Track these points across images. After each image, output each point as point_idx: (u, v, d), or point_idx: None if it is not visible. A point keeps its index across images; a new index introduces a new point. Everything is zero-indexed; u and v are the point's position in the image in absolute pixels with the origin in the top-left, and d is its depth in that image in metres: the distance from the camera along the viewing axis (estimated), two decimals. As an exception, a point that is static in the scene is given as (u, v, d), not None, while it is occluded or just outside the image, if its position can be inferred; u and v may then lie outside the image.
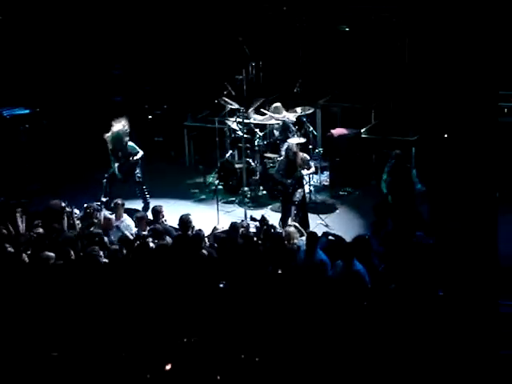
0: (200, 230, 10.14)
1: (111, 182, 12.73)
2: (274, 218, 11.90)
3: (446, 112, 10.30)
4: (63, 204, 10.63)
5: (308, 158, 12.00)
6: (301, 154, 11.89)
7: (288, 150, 11.78)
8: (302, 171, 11.77)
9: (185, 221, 10.22)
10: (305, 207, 11.85)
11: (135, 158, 12.59)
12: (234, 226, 10.10)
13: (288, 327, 7.76)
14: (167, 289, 8.38)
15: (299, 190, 11.68)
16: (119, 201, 11.30)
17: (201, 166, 14.32)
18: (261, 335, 7.68)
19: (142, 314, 7.97)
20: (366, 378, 7.40)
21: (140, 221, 10.77)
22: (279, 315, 7.91)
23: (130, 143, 12.65)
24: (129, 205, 12.10)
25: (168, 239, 9.94)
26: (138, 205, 12.60)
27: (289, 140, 13.07)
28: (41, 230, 9.91)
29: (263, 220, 10.41)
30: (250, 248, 9.29)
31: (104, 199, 12.30)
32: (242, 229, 10.20)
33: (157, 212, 10.85)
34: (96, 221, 10.85)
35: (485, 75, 8.85)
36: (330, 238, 9.68)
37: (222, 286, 8.45)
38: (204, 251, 9.28)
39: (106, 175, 12.72)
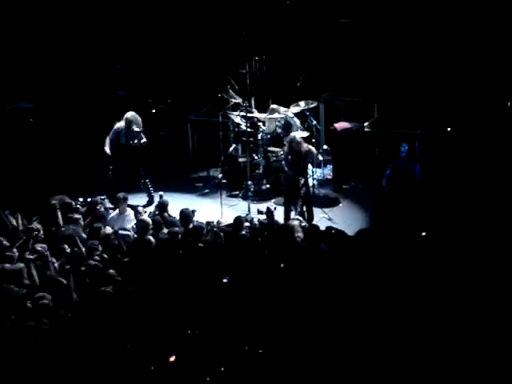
0: (201, 223, 10.18)
1: (116, 175, 12.77)
2: (277, 210, 11.95)
3: (450, 105, 10.32)
4: (54, 201, 10.61)
5: (314, 151, 11.97)
6: (305, 145, 11.86)
7: (291, 141, 11.77)
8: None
9: (186, 214, 10.27)
10: (310, 200, 11.86)
11: (139, 141, 12.61)
12: (238, 220, 10.12)
13: (292, 319, 7.80)
14: (171, 281, 8.42)
15: (302, 182, 11.69)
16: (122, 195, 11.34)
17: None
18: (264, 327, 7.71)
19: (145, 307, 8.00)
20: (368, 370, 7.45)
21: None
22: (283, 307, 7.95)
23: (138, 129, 12.70)
24: (133, 199, 12.17)
25: (165, 231, 9.98)
26: (142, 199, 12.65)
27: (291, 134, 13.14)
28: (36, 226, 9.94)
29: (269, 212, 10.44)
30: (257, 241, 9.32)
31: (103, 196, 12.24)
32: (247, 223, 10.23)
33: (162, 205, 10.89)
34: (99, 214, 10.89)
35: (491, 69, 8.87)
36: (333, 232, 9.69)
37: (225, 280, 8.47)
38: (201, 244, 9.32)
39: (110, 167, 12.75)
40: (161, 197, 11.50)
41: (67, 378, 7.19)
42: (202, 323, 7.74)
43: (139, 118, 12.67)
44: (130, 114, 12.58)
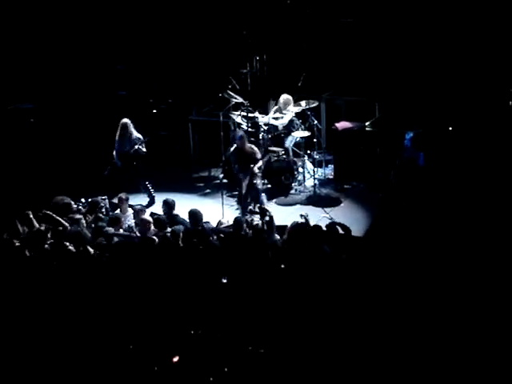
0: (207, 222, 10.17)
1: (114, 175, 12.74)
2: (278, 210, 11.97)
3: (451, 104, 10.27)
4: (66, 200, 10.62)
5: (255, 150, 11.99)
6: (248, 145, 11.98)
7: (237, 138, 11.94)
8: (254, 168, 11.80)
9: (195, 214, 10.25)
10: (257, 197, 11.95)
11: (137, 148, 12.60)
12: (238, 220, 10.10)
13: (294, 319, 7.80)
14: (174, 281, 8.41)
15: (259, 175, 11.91)
16: (123, 195, 11.32)
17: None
18: (267, 327, 7.71)
19: (149, 307, 8.00)
20: (370, 371, 7.45)
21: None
22: (285, 308, 7.95)
23: (138, 135, 12.69)
24: (134, 199, 12.16)
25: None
26: (143, 199, 12.64)
27: (293, 133, 13.17)
28: (43, 226, 9.96)
29: (263, 211, 10.44)
30: (259, 241, 9.30)
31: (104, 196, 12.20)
32: (246, 224, 10.16)
33: (168, 204, 10.85)
34: (101, 215, 10.90)
35: (492, 69, 8.86)
36: (338, 228, 9.66)
37: (224, 280, 8.47)
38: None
39: (108, 167, 12.73)
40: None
41: (72, 378, 7.19)
42: (205, 324, 7.74)
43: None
44: (125, 119, 12.60)
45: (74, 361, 7.45)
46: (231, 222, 10.23)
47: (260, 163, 12.04)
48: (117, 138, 12.56)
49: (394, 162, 11.59)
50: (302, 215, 10.01)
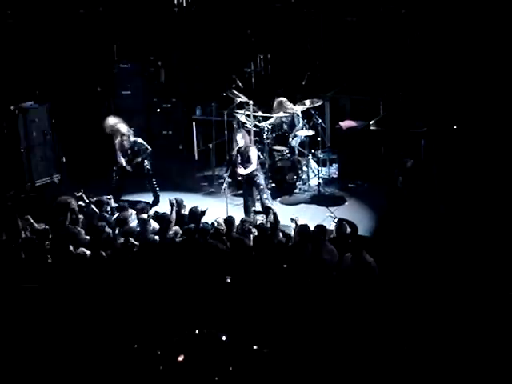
0: (206, 222, 10.15)
1: (120, 175, 12.72)
2: (283, 210, 11.96)
3: (456, 103, 10.24)
4: (68, 200, 10.63)
5: (253, 152, 11.82)
6: (249, 144, 11.84)
7: (236, 138, 11.82)
8: (240, 170, 11.70)
9: (193, 213, 10.24)
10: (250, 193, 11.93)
11: (143, 156, 12.58)
12: (229, 220, 10.05)
13: (299, 318, 7.80)
14: (179, 280, 8.41)
15: (260, 176, 11.85)
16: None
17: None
18: (272, 326, 7.71)
19: (153, 306, 8.00)
20: (373, 369, 7.44)
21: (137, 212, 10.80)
22: (289, 307, 7.95)
23: (139, 140, 12.66)
24: (139, 198, 12.16)
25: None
26: (147, 198, 12.64)
27: (297, 132, 13.16)
28: (43, 226, 9.97)
29: (267, 209, 10.41)
30: (264, 239, 9.30)
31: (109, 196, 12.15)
32: (237, 223, 10.11)
33: (177, 204, 10.81)
34: (106, 214, 10.89)
35: (497, 67, 8.85)
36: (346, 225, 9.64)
37: (228, 280, 8.47)
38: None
39: (114, 168, 12.70)
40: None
41: (77, 378, 7.19)
42: (210, 323, 7.73)
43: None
44: (121, 125, 12.54)
45: (79, 360, 7.44)
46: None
47: (250, 169, 11.78)
48: (117, 146, 12.53)
49: (400, 166, 11.57)
50: (292, 219, 9.99)
